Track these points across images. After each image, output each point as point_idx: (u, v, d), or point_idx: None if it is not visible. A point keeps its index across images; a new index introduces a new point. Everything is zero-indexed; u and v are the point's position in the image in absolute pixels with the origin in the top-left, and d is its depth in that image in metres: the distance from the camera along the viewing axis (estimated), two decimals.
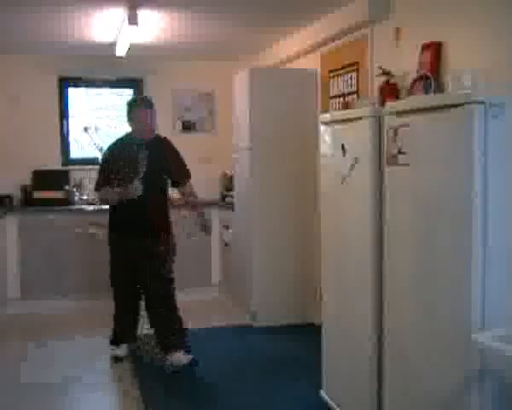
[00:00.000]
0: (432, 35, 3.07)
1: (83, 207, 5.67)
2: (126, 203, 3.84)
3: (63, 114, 6.07)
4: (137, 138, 3.89)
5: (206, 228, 4.18)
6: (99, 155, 6.11)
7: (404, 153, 2.41)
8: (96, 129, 6.18)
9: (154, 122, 3.92)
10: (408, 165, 2.39)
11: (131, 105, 3.92)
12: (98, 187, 4.03)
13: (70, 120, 6.12)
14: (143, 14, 4.13)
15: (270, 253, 4.84)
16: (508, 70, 2.56)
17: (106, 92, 6.32)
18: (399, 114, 2.45)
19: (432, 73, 2.95)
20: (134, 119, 3.87)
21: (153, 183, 3.85)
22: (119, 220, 4.04)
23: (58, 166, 5.94)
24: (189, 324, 4.56)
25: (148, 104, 3.89)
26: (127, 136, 4.02)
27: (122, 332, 4.18)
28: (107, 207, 4.14)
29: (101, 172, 4.03)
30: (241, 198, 5.10)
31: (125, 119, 3.96)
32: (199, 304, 5.42)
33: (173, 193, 4.24)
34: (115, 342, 4.18)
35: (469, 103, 2.02)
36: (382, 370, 2.69)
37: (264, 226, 4.83)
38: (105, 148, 4.18)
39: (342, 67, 4.26)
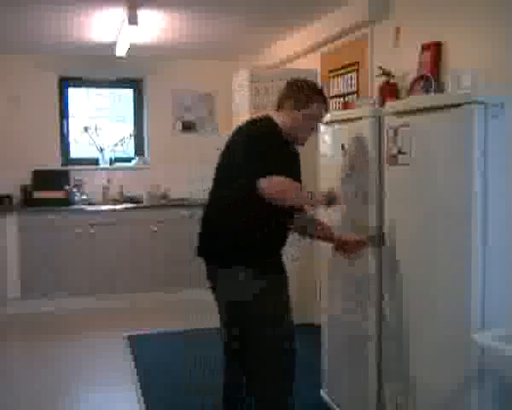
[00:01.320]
0: (432, 35, 3.08)
1: (83, 207, 5.67)
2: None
3: (63, 114, 6.07)
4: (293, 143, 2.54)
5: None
6: (100, 156, 6.15)
7: (404, 153, 2.42)
8: (96, 129, 6.19)
9: None
10: (408, 165, 2.39)
11: (318, 98, 2.56)
12: (274, 172, 2.30)
13: (70, 120, 6.12)
14: (143, 14, 4.13)
15: None
16: (508, 70, 2.56)
17: (106, 92, 6.33)
18: (399, 114, 2.45)
19: (432, 73, 2.95)
20: (309, 119, 2.54)
21: None
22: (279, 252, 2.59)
23: (58, 167, 5.94)
24: (190, 324, 4.58)
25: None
26: (283, 135, 2.47)
27: None
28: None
29: (276, 157, 2.37)
30: None
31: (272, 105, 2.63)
32: (199, 304, 5.41)
33: None
34: None
35: (469, 103, 2.02)
36: (382, 370, 2.69)
37: None
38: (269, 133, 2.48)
39: (342, 67, 4.26)
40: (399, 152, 2.44)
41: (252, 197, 2.32)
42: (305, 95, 2.54)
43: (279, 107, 2.58)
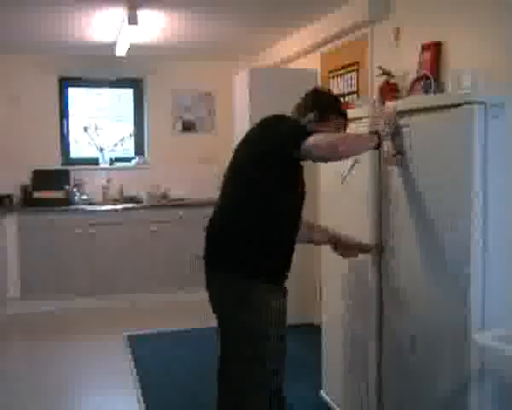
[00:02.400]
0: (432, 35, 3.07)
1: (83, 207, 5.67)
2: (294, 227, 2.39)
3: (63, 113, 6.07)
4: None
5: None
6: (100, 156, 6.14)
7: (403, 153, 2.41)
8: (96, 129, 6.19)
9: None
10: (408, 165, 2.39)
11: (335, 110, 2.49)
12: (309, 133, 2.19)
13: (70, 119, 6.12)
14: (143, 14, 4.13)
15: None
16: (508, 70, 2.56)
17: (106, 92, 6.33)
18: (399, 114, 2.45)
19: (432, 73, 2.94)
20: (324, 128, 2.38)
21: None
22: (285, 268, 2.39)
23: (58, 166, 5.94)
24: (189, 324, 4.57)
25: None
26: None
27: None
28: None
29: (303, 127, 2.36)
30: None
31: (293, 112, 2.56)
32: (199, 304, 5.40)
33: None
34: None
35: (469, 103, 2.02)
36: (382, 370, 2.69)
37: None
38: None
39: (342, 67, 4.26)
40: (399, 152, 2.44)
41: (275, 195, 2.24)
42: (328, 109, 2.46)
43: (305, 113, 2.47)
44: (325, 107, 2.46)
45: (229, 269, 2.27)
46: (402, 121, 2.42)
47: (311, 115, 2.43)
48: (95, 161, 6.16)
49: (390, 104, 2.61)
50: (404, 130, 2.40)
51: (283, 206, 2.29)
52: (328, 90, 2.61)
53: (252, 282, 2.25)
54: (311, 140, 2.12)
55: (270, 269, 2.30)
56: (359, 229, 2.79)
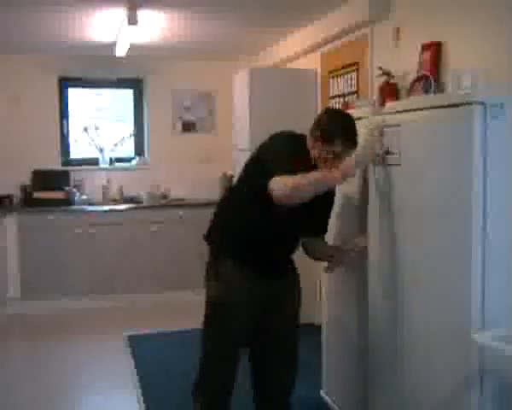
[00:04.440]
0: (432, 35, 3.07)
1: (83, 207, 5.67)
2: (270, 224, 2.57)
3: (63, 114, 6.07)
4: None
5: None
6: (100, 156, 6.15)
7: (403, 153, 2.41)
8: (96, 129, 6.19)
9: None
10: (408, 165, 2.39)
11: (338, 134, 2.47)
12: (282, 171, 2.39)
13: (70, 120, 6.12)
14: (143, 14, 4.13)
15: None
16: (508, 70, 2.56)
17: (106, 92, 6.32)
18: (399, 113, 2.45)
19: (432, 73, 2.94)
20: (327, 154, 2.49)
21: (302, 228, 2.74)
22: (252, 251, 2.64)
23: (58, 166, 5.94)
24: (189, 324, 4.56)
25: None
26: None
27: None
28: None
29: (286, 159, 2.47)
30: None
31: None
32: (199, 304, 5.41)
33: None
34: None
35: (469, 103, 2.02)
36: (382, 370, 2.69)
37: None
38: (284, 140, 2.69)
39: (342, 67, 4.26)
40: (399, 152, 2.44)
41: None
42: (328, 129, 2.48)
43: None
44: (334, 129, 2.48)
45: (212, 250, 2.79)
46: (401, 121, 2.42)
47: (317, 133, 2.51)
48: (95, 162, 6.16)
49: (376, 119, 2.58)
50: (404, 130, 2.40)
51: (249, 209, 2.60)
52: (341, 111, 2.73)
53: (215, 258, 2.77)
54: (270, 185, 2.38)
55: (235, 255, 2.66)
56: (359, 229, 2.79)
